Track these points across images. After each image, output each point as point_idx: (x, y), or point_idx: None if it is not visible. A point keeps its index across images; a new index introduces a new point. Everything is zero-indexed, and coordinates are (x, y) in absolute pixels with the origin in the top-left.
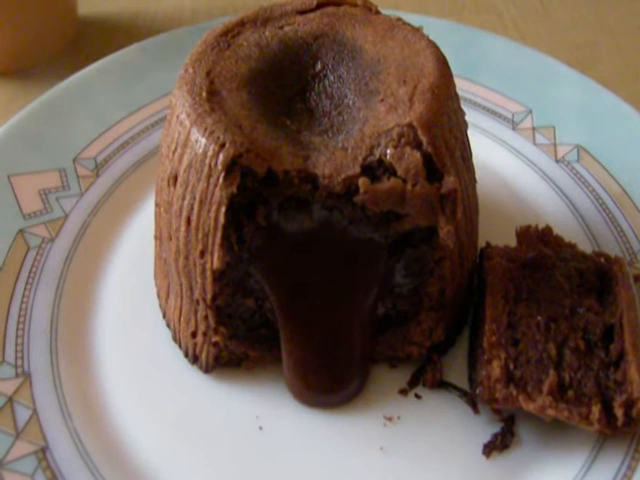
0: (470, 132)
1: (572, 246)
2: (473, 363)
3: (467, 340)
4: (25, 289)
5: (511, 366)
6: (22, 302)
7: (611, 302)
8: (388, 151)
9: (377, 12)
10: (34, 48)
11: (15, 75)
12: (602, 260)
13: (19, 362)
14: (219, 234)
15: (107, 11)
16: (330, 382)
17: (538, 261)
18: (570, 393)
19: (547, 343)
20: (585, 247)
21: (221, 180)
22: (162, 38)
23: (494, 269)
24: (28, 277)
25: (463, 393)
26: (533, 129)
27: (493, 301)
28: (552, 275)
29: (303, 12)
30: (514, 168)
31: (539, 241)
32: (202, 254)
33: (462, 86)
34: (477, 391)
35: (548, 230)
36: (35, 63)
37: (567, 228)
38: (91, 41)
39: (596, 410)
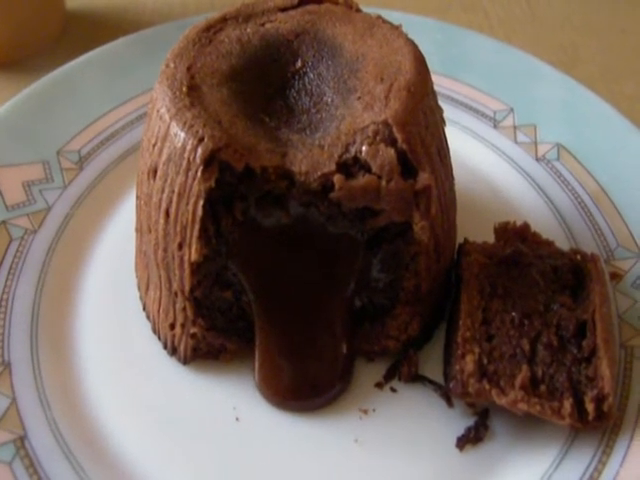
0: (451, 130)
1: (550, 243)
2: (448, 358)
3: (444, 335)
4: (7, 279)
5: (485, 361)
6: (3, 292)
7: (584, 299)
8: (363, 148)
9: (358, 10)
10: (21, 41)
11: (3, 68)
12: (578, 257)
13: None
14: (197, 227)
15: (95, 4)
16: (309, 385)
17: (515, 258)
18: (542, 388)
19: (521, 339)
20: (563, 245)
21: (199, 174)
22: (149, 32)
23: (471, 265)
24: (10, 268)
25: (438, 387)
26: (514, 127)
27: (468, 297)
28: (528, 272)
29: (285, 9)
30: (495, 166)
31: (517, 238)
32: (180, 246)
33: (444, 84)
34: (450, 385)
35: (526, 227)
36: (22, 56)
37: (546, 226)
38: (79, 34)
39: (568, 405)
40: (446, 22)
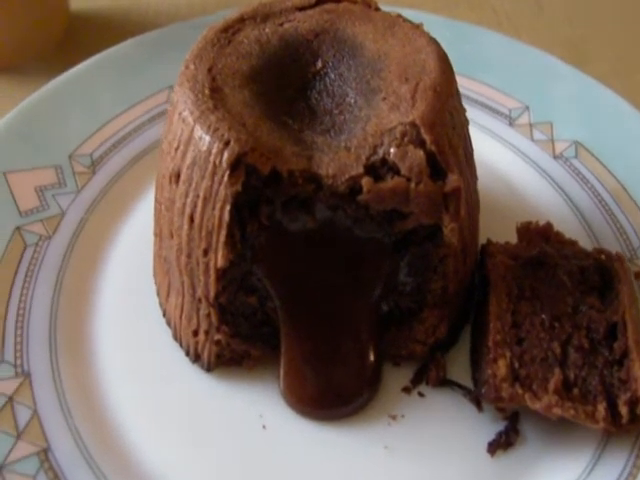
0: None
1: (573, 243)
2: (477, 362)
3: (469, 338)
4: (23, 287)
5: (516, 365)
6: (20, 301)
7: (613, 300)
8: (391, 150)
9: (377, 9)
10: (26, 44)
11: (7, 71)
12: (602, 257)
13: (18, 361)
14: (223, 232)
15: (99, 6)
16: (336, 393)
17: (540, 259)
18: (575, 391)
19: (551, 341)
20: (584, 243)
21: (226, 178)
22: (158, 33)
23: (497, 267)
24: (26, 275)
25: (467, 391)
26: (530, 125)
27: (497, 299)
28: (554, 273)
29: (303, 9)
30: (512, 164)
31: (540, 238)
32: (205, 252)
33: (458, 82)
34: (482, 390)
35: (549, 227)
36: (27, 59)
37: (566, 224)
38: (83, 36)
39: (601, 408)
40: (456, 19)
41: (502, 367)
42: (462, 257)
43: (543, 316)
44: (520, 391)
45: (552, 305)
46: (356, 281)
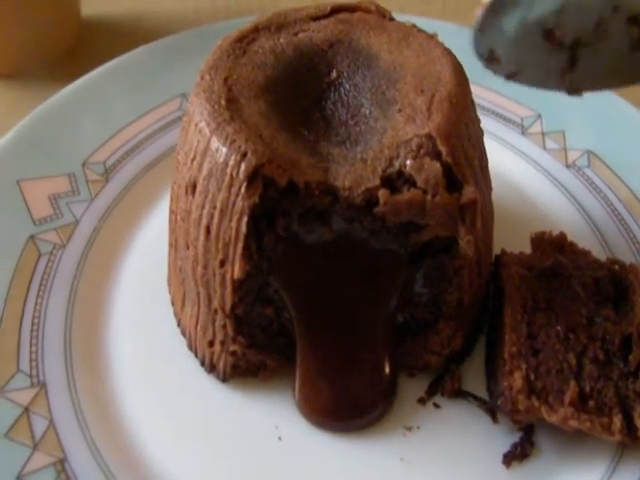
0: None
1: (586, 253)
2: (492, 373)
3: (483, 348)
4: (37, 296)
5: (532, 376)
6: (35, 310)
7: (628, 311)
8: (407, 162)
9: (391, 19)
10: (37, 50)
11: (18, 78)
12: (616, 267)
13: (34, 371)
14: (240, 244)
15: (111, 12)
16: (352, 405)
17: (555, 270)
18: (591, 404)
19: (567, 353)
20: (597, 253)
21: (243, 190)
22: (169, 40)
23: (511, 278)
24: (40, 284)
25: (482, 402)
26: (543, 134)
27: (512, 311)
28: (569, 284)
29: (317, 18)
30: (524, 173)
31: (554, 248)
32: (222, 264)
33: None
34: (499, 402)
35: (563, 237)
36: (39, 65)
37: (579, 234)
38: (95, 43)
39: (617, 420)
40: (466, 26)
41: (518, 379)
42: (477, 269)
43: (558, 327)
44: (536, 404)
45: (567, 316)
46: (372, 292)
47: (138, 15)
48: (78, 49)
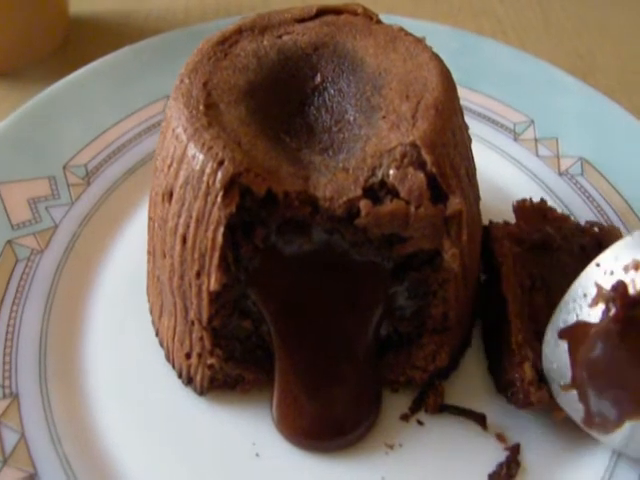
0: None
1: (566, 219)
2: (495, 356)
3: (470, 364)
4: (13, 304)
5: (538, 363)
6: (10, 317)
7: None
8: (391, 172)
9: (378, 21)
10: (24, 48)
11: (4, 76)
12: (596, 230)
13: (6, 382)
14: (217, 255)
15: (99, 11)
16: (332, 424)
17: (544, 242)
18: None
19: None
20: None
21: (219, 199)
22: (155, 40)
23: (506, 258)
24: (16, 291)
25: (468, 413)
26: (536, 140)
27: (512, 296)
28: (559, 257)
29: (302, 20)
30: (516, 180)
31: (536, 215)
32: (198, 275)
33: (461, 94)
34: (509, 394)
35: (543, 203)
36: (25, 63)
37: None
38: (82, 41)
39: None
40: (457, 28)
41: (528, 370)
42: (463, 282)
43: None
44: (547, 394)
45: (562, 292)
46: (353, 306)
47: (127, 14)
48: (66, 48)
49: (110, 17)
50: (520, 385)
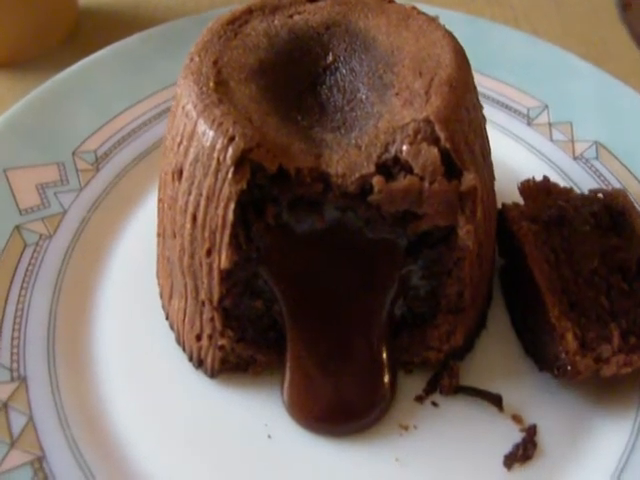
0: None
1: (569, 191)
2: (532, 337)
3: (486, 345)
4: (22, 288)
5: (579, 333)
6: (18, 302)
7: (630, 235)
8: (404, 148)
9: (391, 1)
10: (34, 39)
11: (15, 66)
12: (601, 196)
13: (14, 365)
14: (227, 232)
15: (108, 1)
16: (345, 407)
17: (559, 216)
18: (632, 340)
19: (598, 296)
20: None
21: (230, 175)
22: (164, 28)
23: (527, 236)
24: (24, 276)
25: (485, 394)
26: (550, 125)
27: (541, 272)
28: (575, 228)
29: (313, 0)
30: (530, 165)
31: (541, 193)
32: (209, 253)
33: (475, 80)
34: (554, 369)
35: (546, 180)
36: (35, 54)
37: None
38: (92, 31)
39: None
40: (472, 15)
41: (571, 342)
42: (478, 260)
43: (583, 275)
44: (592, 363)
45: (585, 260)
46: (367, 285)
47: (135, 3)
48: (75, 38)
49: (119, 7)
50: (566, 357)
